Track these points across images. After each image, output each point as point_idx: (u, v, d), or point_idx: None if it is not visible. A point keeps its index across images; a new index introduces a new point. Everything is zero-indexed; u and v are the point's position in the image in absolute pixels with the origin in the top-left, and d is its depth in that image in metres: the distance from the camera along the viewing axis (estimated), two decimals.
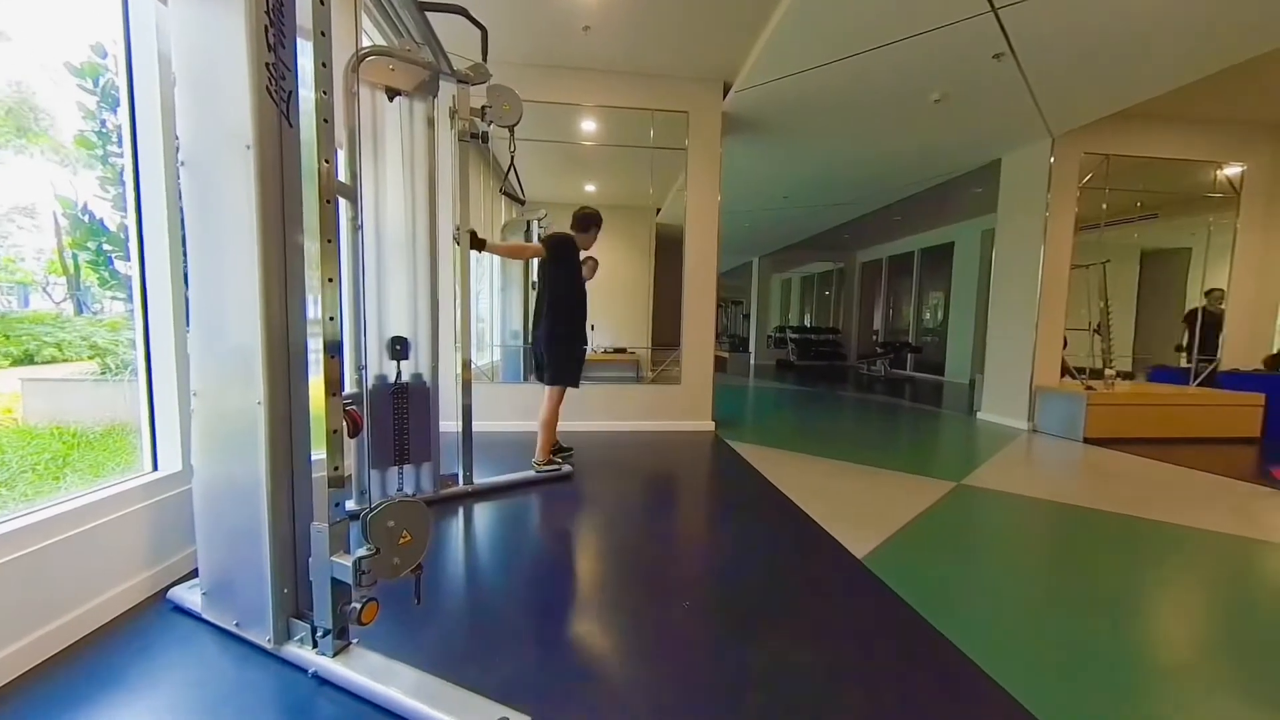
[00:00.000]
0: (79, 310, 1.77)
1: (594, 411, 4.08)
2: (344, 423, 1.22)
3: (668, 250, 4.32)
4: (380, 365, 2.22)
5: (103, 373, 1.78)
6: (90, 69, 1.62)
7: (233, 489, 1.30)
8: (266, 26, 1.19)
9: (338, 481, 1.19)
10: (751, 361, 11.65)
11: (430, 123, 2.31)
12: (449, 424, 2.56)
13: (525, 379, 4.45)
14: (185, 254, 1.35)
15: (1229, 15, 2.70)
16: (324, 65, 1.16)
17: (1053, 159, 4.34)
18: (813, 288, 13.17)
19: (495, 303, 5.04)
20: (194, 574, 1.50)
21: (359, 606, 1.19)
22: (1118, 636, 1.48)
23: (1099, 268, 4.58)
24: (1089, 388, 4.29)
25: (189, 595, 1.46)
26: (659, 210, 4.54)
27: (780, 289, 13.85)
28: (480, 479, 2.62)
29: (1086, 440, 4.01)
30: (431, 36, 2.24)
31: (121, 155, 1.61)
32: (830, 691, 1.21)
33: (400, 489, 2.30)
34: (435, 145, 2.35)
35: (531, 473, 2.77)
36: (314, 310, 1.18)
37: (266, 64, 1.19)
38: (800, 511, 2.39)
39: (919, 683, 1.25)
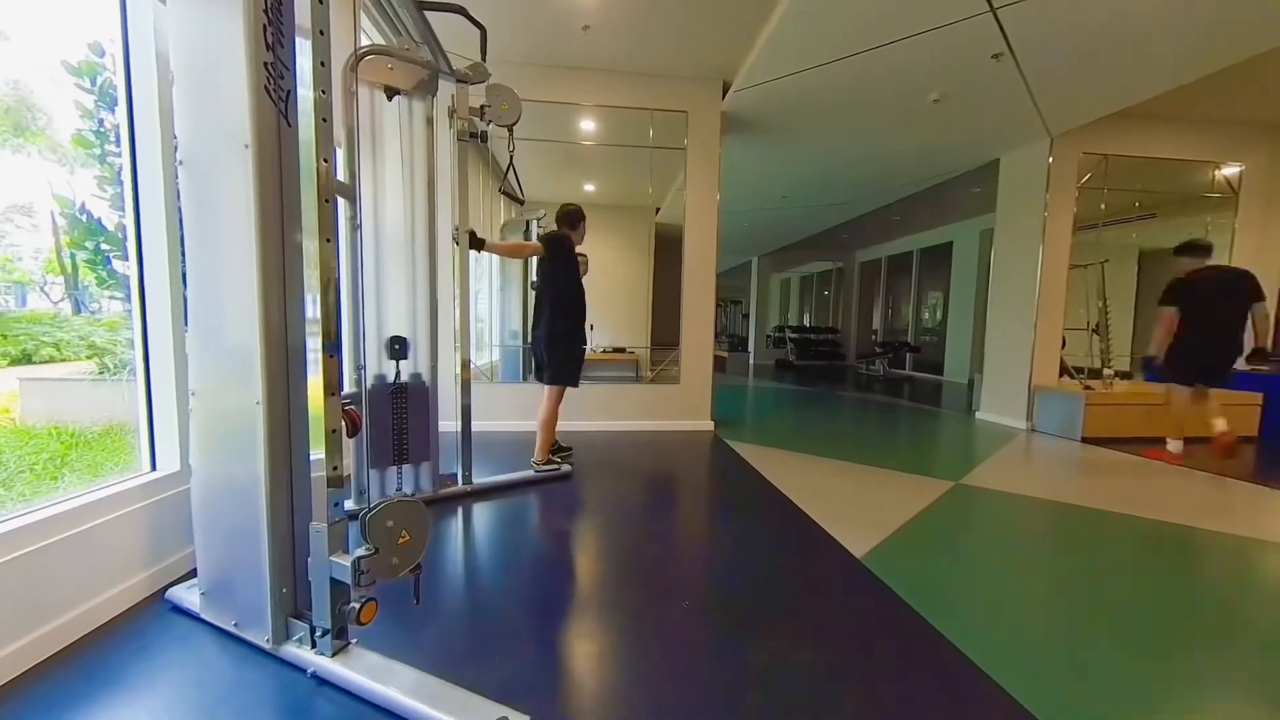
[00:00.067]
0: (77, 310, 1.77)
1: (593, 411, 4.08)
2: (343, 422, 1.21)
3: (667, 250, 4.32)
4: (379, 365, 2.22)
5: (101, 372, 1.78)
6: (88, 68, 1.62)
7: (231, 489, 1.30)
8: (265, 25, 1.19)
9: (336, 481, 1.19)
10: (750, 361, 11.66)
11: (429, 122, 2.31)
12: (448, 423, 2.55)
13: (524, 378, 4.45)
14: (183, 253, 1.35)
15: (1228, 15, 2.71)
16: (322, 64, 1.16)
17: (1051, 159, 4.34)
18: (812, 287, 13.17)
19: (494, 302, 5.04)
20: (192, 574, 1.50)
21: (358, 606, 1.19)
22: (1117, 636, 1.48)
23: (1097, 267, 4.59)
24: (1087, 387, 4.30)
25: (187, 595, 1.46)
26: (658, 210, 4.54)
27: (779, 289, 13.86)
28: (479, 479, 2.62)
29: (1085, 440, 4.02)
30: (430, 35, 2.23)
31: (119, 154, 1.61)
32: (829, 691, 1.21)
33: (399, 489, 2.30)
34: (434, 144, 2.35)
35: (531, 472, 2.77)
36: (313, 310, 1.18)
37: (265, 63, 1.19)
38: (799, 511, 2.39)
39: (918, 682, 1.25)
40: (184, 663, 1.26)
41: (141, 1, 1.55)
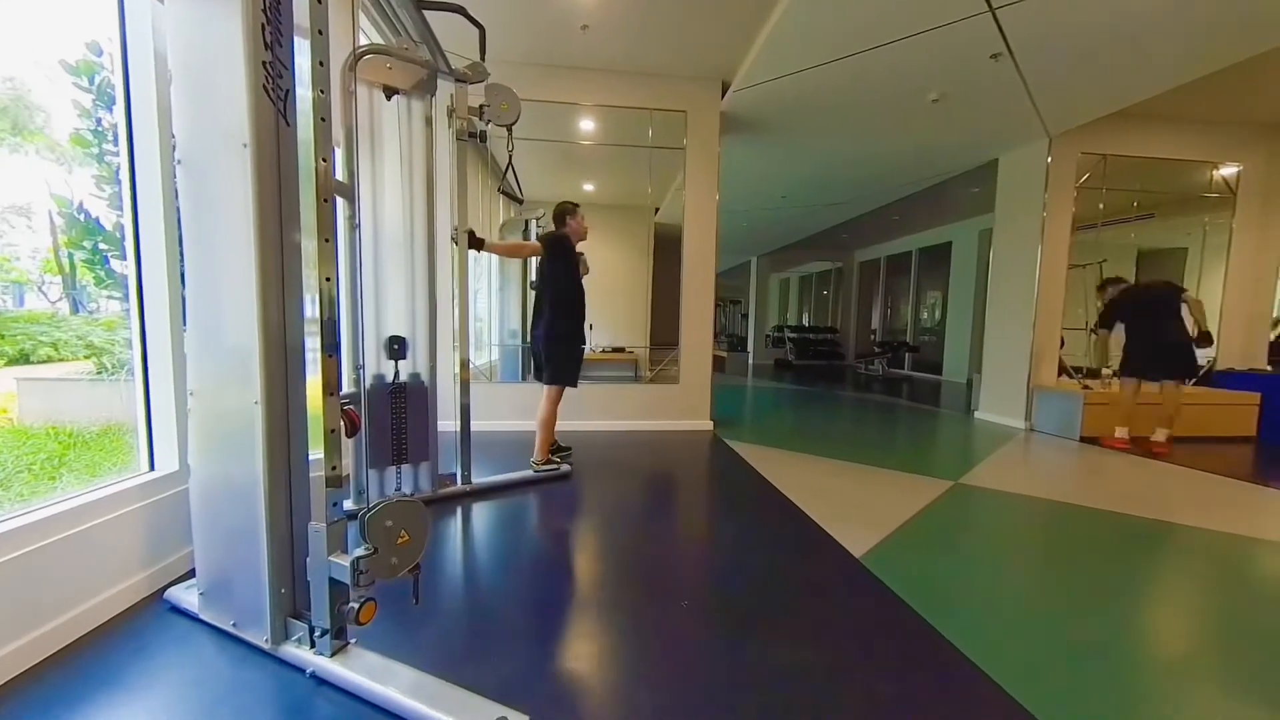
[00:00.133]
0: (75, 309, 1.76)
1: (592, 411, 4.08)
2: (342, 422, 1.21)
3: (666, 249, 4.32)
4: (378, 365, 2.22)
5: (99, 372, 1.78)
6: (86, 67, 1.61)
7: (230, 489, 1.30)
8: (264, 25, 1.18)
9: (335, 481, 1.19)
10: (750, 361, 11.66)
11: (428, 121, 2.31)
12: (447, 423, 2.55)
13: (523, 378, 4.44)
14: (182, 253, 1.35)
15: (1226, 15, 2.71)
16: (321, 64, 1.16)
17: (1050, 159, 4.35)
18: (811, 287, 13.18)
19: (493, 302, 5.03)
20: (191, 574, 1.49)
21: (357, 606, 1.19)
22: (1116, 635, 1.48)
23: (1096, 267, 4.60)
24: (1086, 387, 4.30)
25: (186, 595, 1.45)
26: (657, 210, 4.54)
27: (778, 288, 13.86)
28: (478, 478, 2.62)
29: (1083, 439, 4.03)
30: (429, 35, 2.23)
31: (117, 153, 1.60)
32: (829, 691, 1.21)
33: (398, 489, 2.30)
34: (433, 144, 2.34)
35: (530, 472, 2.77)
36: (311, 309, 1.17)
37: (263, 62, 1.19)
38: (798, 511, 2.40)
39: (918, 682, 1.25)
40: (183, 663, 1.26)
41: (139, 0, 1.55)
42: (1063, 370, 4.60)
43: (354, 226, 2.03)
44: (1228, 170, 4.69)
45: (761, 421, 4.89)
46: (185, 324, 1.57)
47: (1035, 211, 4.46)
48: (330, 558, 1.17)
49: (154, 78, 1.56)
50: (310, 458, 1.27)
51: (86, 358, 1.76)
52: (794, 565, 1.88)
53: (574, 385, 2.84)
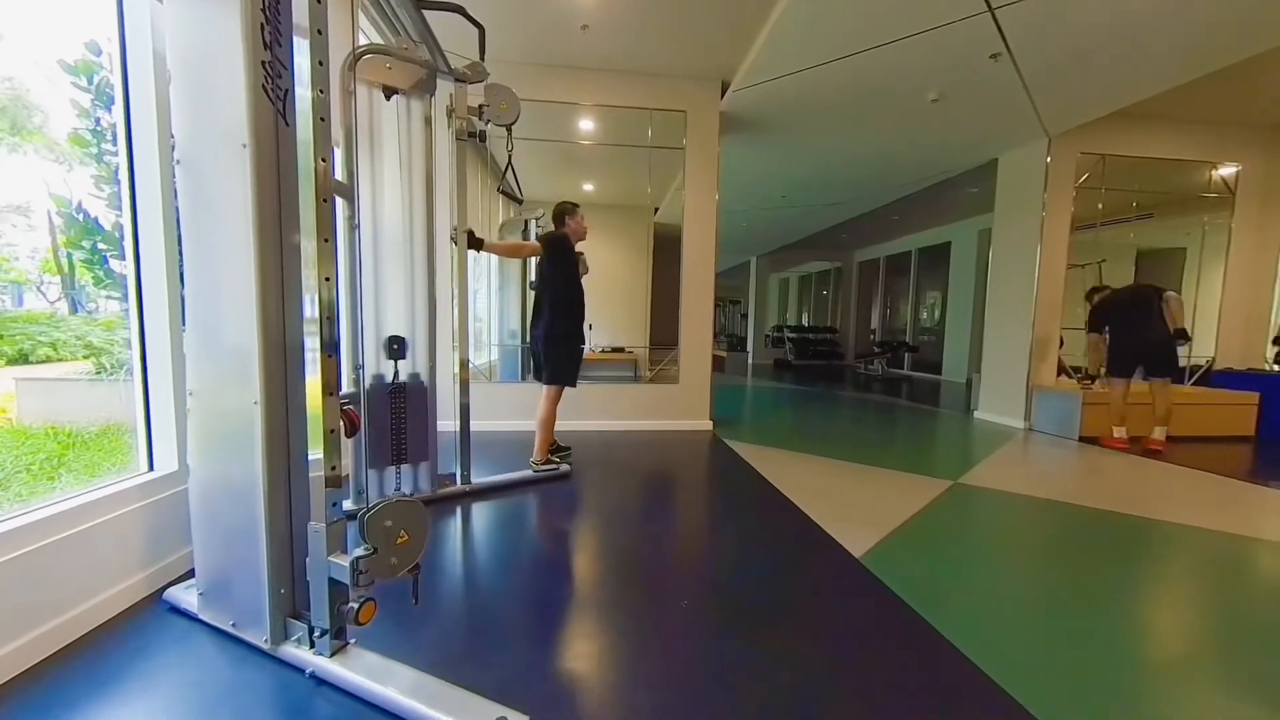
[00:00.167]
0: (74, 309, 1.76)
1: (592, 411, 4.08)
2: (341, 422, 1.21)
3: (665, 249, 4.32)
4: (378, 365, 2.22)
5: (98, 372, 1.77)
6: (84, 66, 1.61)
7: (229, 489, 1.30)
8: (263, 24, 1.18)
9: (335, 481, 1.19)
10: (749, 361, 11.66)
11: (428, 121, 2.30)
12: (446, 423, 2.55)
13: (523, 378, 4.44)
14: (181, 253, 1.35)
15: (1225, 15, 2.72)
16: (321, 63, 1.16)
17: (1049, 159, 4.35)
18: (810, 287, 13.18)
19: (493, 302, 5.03)
20: (190, 574, 1.49)
21: (356, 606, 1.19)
22: (1114, 634, 1.49)
23: (1095, 267, 4.60)
24: (1085, 387, 4.31)
25: (185, 596, 1.45)
26: (657, 210, 4.54)
27: (778, 288, 13.86)
28: (478, 478, 2.62)
29: (1082, 439, 4.03)
30: (429, 35, 2.23)
31: (116, 153, 1.60)
32: (828, 690, 1.21)
33: (398, 489, 2.30)
34: (433, 144, 2.34)
35: (529, 472, 2.77)
36: (311, 309, 1.17)
37: (263, 62, 1.19)
38: (798, 510, 2.40)
39: (917, 681, 1.25)
40: (182, 663, 1.26)
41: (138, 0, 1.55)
42: (1062, 370, 4.60)
43: (353, 226, 2.03)
44: (1226, 170, 4.70)
45: (761, 421, 4.89)
46: (184, 324, 1.57)
47: (1034, 211, 4.46)
48: (330, 558, 1.17)
49: (153, 77, 1.55)
50: (310, 458, 1.27)
51: (85, 358, 1.76)
52: (793, 565, 1.88)
53: (573, 385, 2.84)
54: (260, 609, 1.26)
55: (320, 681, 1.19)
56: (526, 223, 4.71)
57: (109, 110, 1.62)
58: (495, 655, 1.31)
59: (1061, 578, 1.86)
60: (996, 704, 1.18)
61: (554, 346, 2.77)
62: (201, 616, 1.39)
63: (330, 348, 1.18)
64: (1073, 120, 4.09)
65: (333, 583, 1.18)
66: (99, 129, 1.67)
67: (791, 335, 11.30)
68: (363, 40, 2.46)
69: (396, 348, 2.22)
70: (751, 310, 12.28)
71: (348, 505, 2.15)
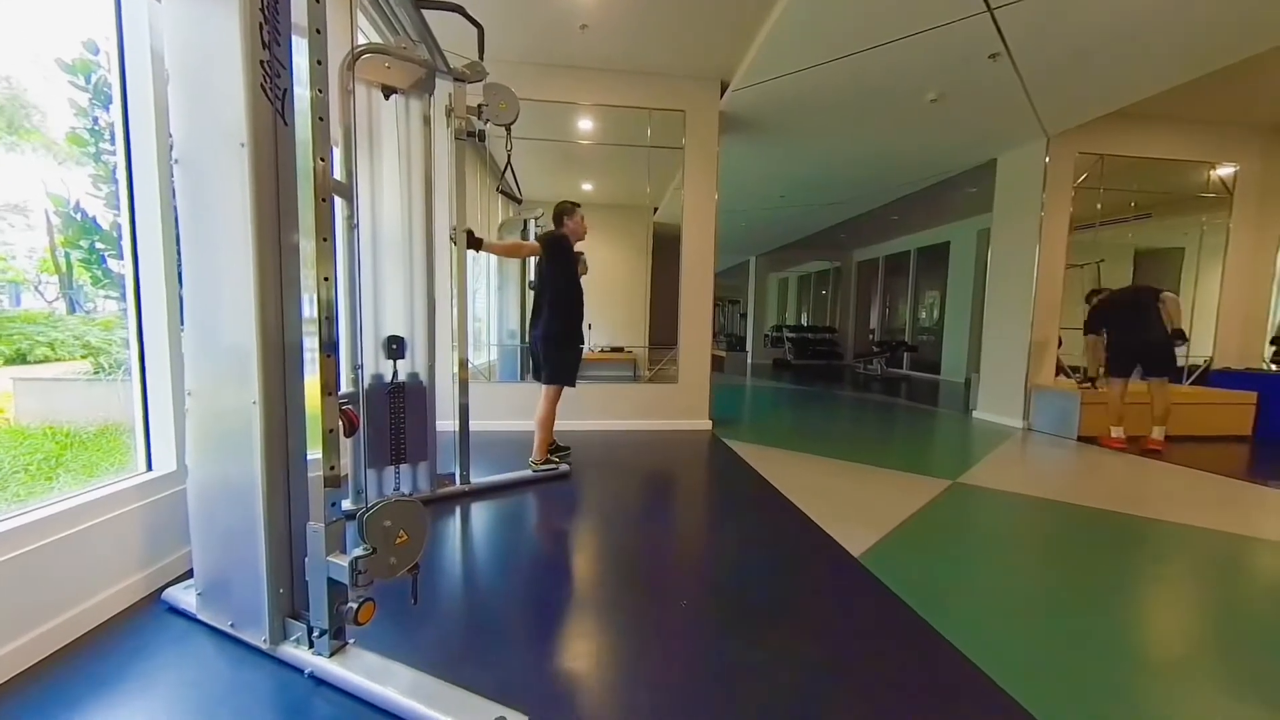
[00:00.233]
0: (71, 309, 1.76)
1: (591, 411, 4.08)
2: (340, 422, 1.21)
3: (665, 249, 4.32)
4: (376, 364, 2.21)
5: (96, 372, 1.77)
6: (82, 65, 1.61)
7: (228, 489, 1.29)
8: (261, 24, 1.18)
9: (334, 481, 1.19)
10: (749, 360, 11.67)
11: (426, 121, 2.30)
12: (446, 423, 2.55)
13: (522, 378, 4.44)
14: (179, 252, 1.35)
15: (1225, 14, 2.72)
16: (319, 63, 1.16)
17: (1048, 159, 4.36)
18: (809, 287, 13.19)
19: (492, 301, 5.03)
20: (189, 575, 1.49)
21: (355, 606, 1.18)
22: (1114, 634, 1.49)
23: (1093, 267, 4.61)
24: (1092, 387, 4.31)
25: (184, 596, 1.45)
26: (656, 209, 4.54)
27: (777, 288, 13.86)
28: (477, 478, 2.62)
29: (1080, 439, 4.04)
30: (428, 34, 2.23)
31: (114, 153, 1.60)
32: (828, 690, 1.21)
33: (397, 488, 2.29)
34: (431, 144, 2.34)
35: (528, 472, 2.77)
36: (309, 309, 1.17)
37: (261, 61, 1.18)
38: (797, 510, 2.40)
39: (916, 681, 1.25)
40: (181, 663, 1.26)
41: None
42: (1060, 370, 4.61)
43: (352, 226, 2.03)
44: (1224, 170, 4.71)
45: (760, 421, 4.89)
46: (183, 324, 1.56)
47: (1033, 211, 4.46)
48: (328, 558, 1.17)
49: (151, 76, 1.55)
50: (308, 458, 1.27)
51: (83, 357, 1.75)
52: (793, 564, 1.88)
53: (572, 385, 2.84)
54: (259, 609, 1.26)
55: (319, 681, 1.19)
56: (525, 222, 4.71)
57: (107, 109, 1.62)
58: (494, 655, 1.31)
59: (1060, 577, 1.86)
60: (996, 704, 1.18)
61: (553, 346, 2.77)
62: (200, 617, 1.39)
63: (329, 347, 1.17)
64: (1071, 120, 4.09)
65: (331, 583, 1.18)
66: (97, 128, 1.66)
67: (790, 335, 11.30)
68: (361, 39, 2.46)
69: (395, 347, 2.22)
70: (751, 310, 12.29)
71: (346, 505, 2.14)
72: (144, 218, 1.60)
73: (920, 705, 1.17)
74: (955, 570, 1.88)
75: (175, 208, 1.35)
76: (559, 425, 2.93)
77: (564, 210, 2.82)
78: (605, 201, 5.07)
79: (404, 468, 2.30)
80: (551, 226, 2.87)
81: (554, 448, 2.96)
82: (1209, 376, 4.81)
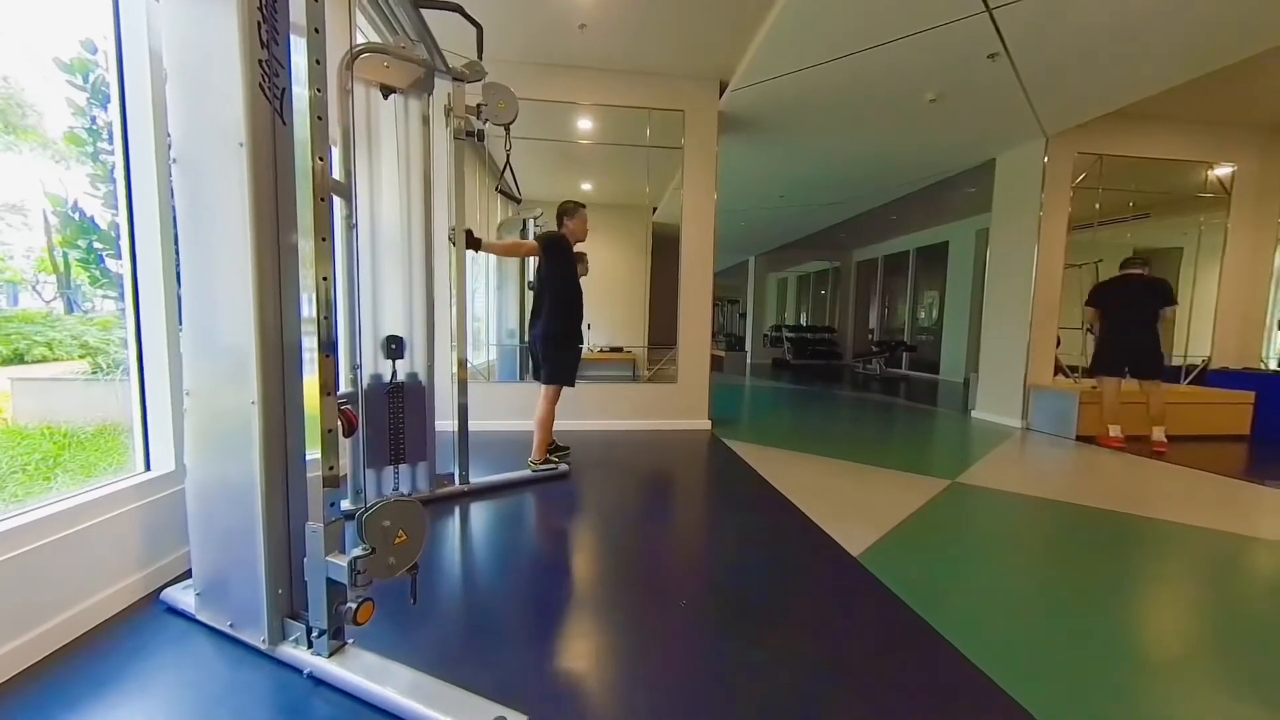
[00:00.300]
0: (69, 309, 1.75)
1: (590, 410, 4.08)
2: (339, 422, 1.21)
3: (664, 249, 4.32)
4: (375, 364, 2.21)
5: (94, 372, 1.77)
6: (80, 65, 1.60)
7: (226, 489, 1.29)
8: (259, 23, 1.18)
9: (333, 481, 1.18)
10: (748, 360, 11.67)
11: (425, 120, 2.30)
12: (445, 423, 2.55)
13: (521, 378, 4.44)
14: (177, 252, 1.35)
15: (1225, 14, 2.72)
16: (318, 62, 1.16)
17: (1046, 159, 4.36)
18: (809, 287, 13.19)
19: (491, 301, 5.03)
20: (188, 575, 1.49)
21: (354, 606, 1.18)
22: (1113, 633, 1.49)
23: (1092, 267, 4.61)
24: (1093, 386, 4.31)
25: (183, 596, 1.45)
26: (655, 209, 4.54)
27: (776, 288, 13.87)
28: (476, 478, 2.61)
29: (1079, 438, 4.04)
30: (426, 33, 2.22)
31: (112, 152, 1.59)
32: (827, 690, 1.21)
33: (396, 488, 2.29)
34: (430, 143, 2.34)
35: (528, 472, 2.77)
36: (308, 309, 1.17)
37: (260, 61, 1.18)
38: (796, 510, 2.40)
39: (916, 680, 1.26)
40: (179, 664, 1.26)
41: None
42: (1059, 369, 4.61)
43: (351, 226, 2.03)
44: (1223, 170, 4.71)
45: (759, 421, 4.89)
46: (181, 323, 1.56)
47: (1032, 211, 4.47)
48: (327, 558, 1.17)
49: (149, 76, 1.55)
50: (307, 458, 1.27)
51: (81, 357, 1.75)
52: (792, 564, 1.89)
53: (571, 385, 2.84)
54: (258, 609, 1.26)
55: (318, 682, 1.19)
56: (525, 222, 4.70)
57: (105, 109, 1.61)
58: (494, 655, 1.31)
59: (1059, 576, 1.86)
60: (995, 704, 1.18)
61: (552, 346, 2.77)
62: (199, 617, 1.39)
63: (328, 347, 1.17)
64: (1070, 120, 4.10)
65: (330, 583, 1.17)
66: (95, 127, 1.66)
67: (790, 335, 11.30)
68: (360, 39, 2.45)
69: (394, 347, 2.22)
70: (750, 310, 12.29)
71: (345, 505, 2.14)
72: (142, 217, 1.60)
73: (920, 705, 1.17)
74: (954, 570, 1.88)
75: (173, 207, 1.34)
76: (558, 425, 2.93)
77: (565, 210, 2.82)
78: (605, 201, 5.06)
79: (403, 468, 2.30)
80: (552, 226, 2.87)
81: (553, 447, 2.96)
82: (1207, 376, 4.82)
